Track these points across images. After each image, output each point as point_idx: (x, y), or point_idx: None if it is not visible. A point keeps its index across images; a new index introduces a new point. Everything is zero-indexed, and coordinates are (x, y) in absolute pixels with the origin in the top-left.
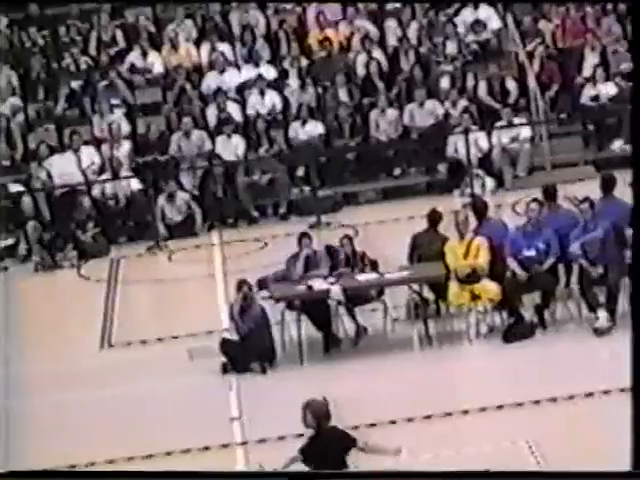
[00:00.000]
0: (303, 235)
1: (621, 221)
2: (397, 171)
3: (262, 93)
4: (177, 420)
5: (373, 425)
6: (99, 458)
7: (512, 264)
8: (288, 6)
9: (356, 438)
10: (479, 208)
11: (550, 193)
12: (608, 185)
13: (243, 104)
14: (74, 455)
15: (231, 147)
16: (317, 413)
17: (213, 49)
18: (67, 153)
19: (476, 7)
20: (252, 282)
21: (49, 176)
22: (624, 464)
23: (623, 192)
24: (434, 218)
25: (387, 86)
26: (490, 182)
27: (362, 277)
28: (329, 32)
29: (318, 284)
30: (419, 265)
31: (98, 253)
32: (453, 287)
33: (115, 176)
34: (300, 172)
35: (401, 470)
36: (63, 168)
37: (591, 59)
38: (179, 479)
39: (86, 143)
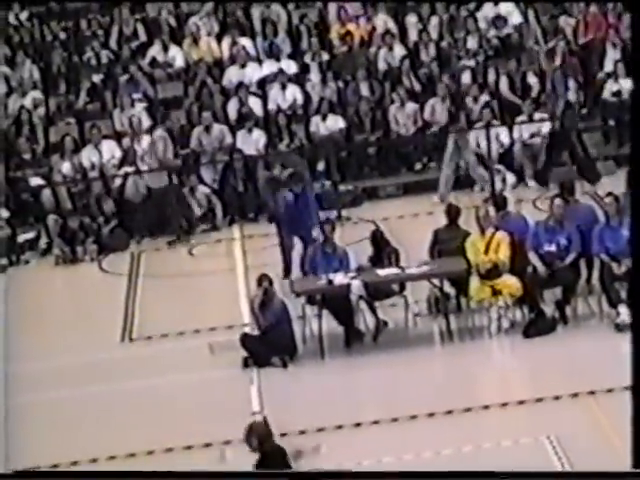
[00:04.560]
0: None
1: None
2: (418, 166)
3: (283, 87)
4: (198, 414)
5: (395, 420)
6: (119, 452)
7: (533, 259)
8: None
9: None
10: (499, 203)
11: (568, 188)
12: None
13: (264, 98)
14: (94, 449)
15: (252, 141)
16: (261, 435)
17: (234, 43)
18: (88, 147)
19: (497, 2)
20: (273, 276)
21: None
22: (624, 464)
23: None
24: (452, 213)
25: (408, 81)
26: (510, 177)
27: (383, 272)
28: (350, 27)
29: (339, 279)
30: (440, 260)
31: (118, 247)
32: (474, 282)
33: (135, 170)
34: (320, 167)
35: (415, 470)
36: (85, 162)
37: (612, 54)
38: (182, 479)
39: (106, 137)
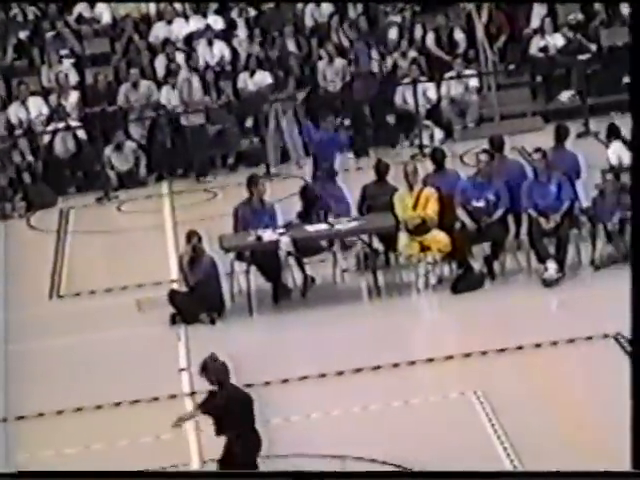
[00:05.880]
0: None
1: (572, 172)
2: (346, 122)
3: (210, 44)
4: (125, 371)
5: (323, 376)
6: (47, 409)
7: (462, 215)
8: None
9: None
10: (438, 158)
11: (497, 144)
12: (561, 135)
13: (191, 55)
14: (22, 406)
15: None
16: (218, 374)
17: None
18: (15, 103)
19: None
20: (201, 233)
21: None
22: (624, 464)
23: (572, 143)
24: (380, 169)
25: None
26: (439, 133)
27: (312, 228)
28: None
29: (267, 235)
30: (369, 216)
31: (46, 204)
32: (403, 238)
33: (63, 126)
34: (249, 123)
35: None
36: (12, 118)
37: (539, 10)
38: (182, 479)
39: (34, 93)
